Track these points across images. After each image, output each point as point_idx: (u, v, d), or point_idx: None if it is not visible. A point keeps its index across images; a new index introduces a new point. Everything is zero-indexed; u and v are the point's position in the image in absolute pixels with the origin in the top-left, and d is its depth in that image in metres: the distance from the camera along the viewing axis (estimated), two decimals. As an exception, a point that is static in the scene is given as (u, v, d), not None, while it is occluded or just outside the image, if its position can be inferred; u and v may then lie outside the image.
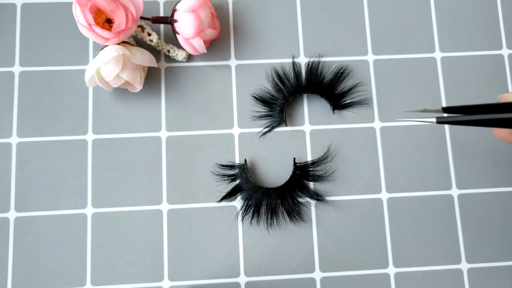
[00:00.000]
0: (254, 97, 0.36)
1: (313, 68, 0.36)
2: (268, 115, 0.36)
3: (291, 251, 0.34)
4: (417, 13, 0.38)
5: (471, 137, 0.37)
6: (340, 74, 0.36)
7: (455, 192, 0.36)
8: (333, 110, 0.36)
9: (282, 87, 0.36)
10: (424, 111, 0.27)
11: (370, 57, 0.37)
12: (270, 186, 0.35)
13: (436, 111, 0.26)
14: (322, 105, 0.36)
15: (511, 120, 0.23)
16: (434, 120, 0.26)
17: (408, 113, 0.34)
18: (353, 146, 0.36)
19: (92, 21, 0.31)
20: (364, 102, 0.36)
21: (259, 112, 0.36)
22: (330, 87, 0.36)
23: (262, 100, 0.36)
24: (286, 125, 0.35)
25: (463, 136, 0.36)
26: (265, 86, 0.36)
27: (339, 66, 0.37)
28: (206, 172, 0.35)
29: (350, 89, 0.36)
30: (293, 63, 0.36)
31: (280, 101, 0.35)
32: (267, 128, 0.36)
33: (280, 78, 0.36)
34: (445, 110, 0.26)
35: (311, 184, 0.35)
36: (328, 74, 0.36)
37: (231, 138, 0.36)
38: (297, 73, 0.36)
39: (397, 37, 0.38)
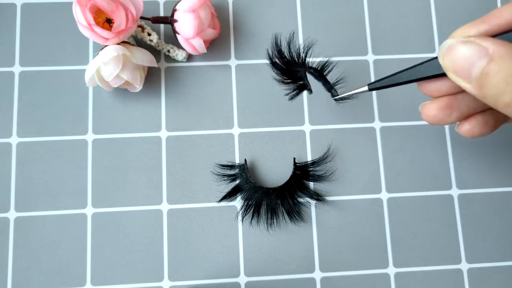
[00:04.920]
0: (272, 62, 0.32)
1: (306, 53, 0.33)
2: (290, 82, 0.32)
3: (291, 251, 0.34)
4: (417, 13, 0.38)
5: (471, 137, 0.37)
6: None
7: (455, 192, 0.36)
8: (333, 96, 0.32)
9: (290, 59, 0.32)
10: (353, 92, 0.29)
11: (370, 57, 0.37)
12: (270, 186, 0.35)
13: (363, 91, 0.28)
14: (322, 105, 0.36)
15: (433, 66, 0.23)
16: (366, 88, 0.27)
17: (345, 92, 0.31)
18: (353, 146, 0.36)
19: (92, 21, 0.31)
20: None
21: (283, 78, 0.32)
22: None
23: (280, 68, 0.32)
24: (311, 92, 0.32)
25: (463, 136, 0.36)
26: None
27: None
28: (206, 172, 0.35)
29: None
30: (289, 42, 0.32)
31: (297, 67, 0.32)
32: (294, 92, 0.32)
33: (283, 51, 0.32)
34: (370, 84, 0.27)
35: (311, 184, 0.35)
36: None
37: (231, 138, 0.36)
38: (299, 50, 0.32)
39: (397, 37, 0.38)
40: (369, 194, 0.35)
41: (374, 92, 0.37)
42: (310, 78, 0.32)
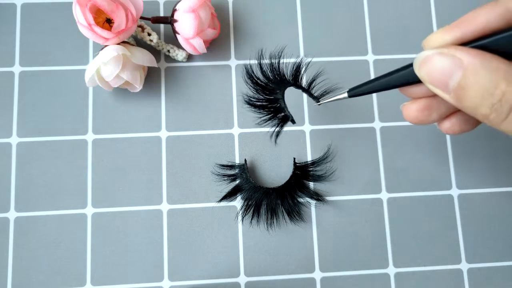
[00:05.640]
0: (247, 102, 0.33)
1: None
2: (271, 117, 0.33)
3: (291, 251, 0.34)
4: (417, 13, 0.38)
5: (471, 137, 0.37)
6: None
7: (455, 192, 0.36)
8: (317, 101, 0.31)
9: (266, 84, 0.32)
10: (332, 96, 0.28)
11: (370, 57, 0.37)
12: (270, 186, 0.35)
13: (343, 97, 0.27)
14: (322, 105, 0.36)
15: (412, 72, 0.23)
16: (346, 95, 0.27)
17: (325, 98, 0.31)
18: (353, 146, 0.36)
19: (92, 21, 0.31)
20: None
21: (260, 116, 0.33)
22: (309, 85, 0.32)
23: (255, 104, 0.32)
24: (295, 122, 0.32)
25: (463, 136, 0.36)
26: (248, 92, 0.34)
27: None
28: (206, 172, 0.35)
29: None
30: (260, 60, 0.32)
31: (274, 96, 0.32)
32: (277, 127, 0.32)
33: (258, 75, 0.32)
34: (350, 91, 0.27)
35: (311, 184, 0.35)
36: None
37: (231, 138, 0.36)
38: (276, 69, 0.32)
39: (397, 37, 0.38)
40: (369, 194, 0.35)
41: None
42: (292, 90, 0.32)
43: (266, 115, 0.33)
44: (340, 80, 0.36)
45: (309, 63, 0.34)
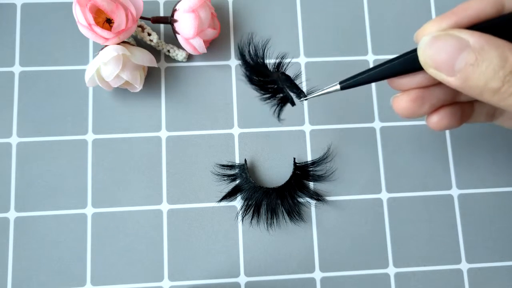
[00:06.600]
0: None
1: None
2: (270, 97, 0.30)
3: (291, 251, 0.34)
4: (417, 13, 0.38)
5: (471, 137, 0.37)
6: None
7: (455, 192, 0.36)
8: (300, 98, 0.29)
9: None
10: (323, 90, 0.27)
11: (370, 57, 0.37)
12: (270, 186, 0.35)
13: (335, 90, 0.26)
14: (322, 105, 0.36)
15: (406, 62, 0.23)
16: (338, 87, 0.26)
17: (314, 92, 0.29)
18: (353, 146, 0.36)
19: (92, 21, 0.31)
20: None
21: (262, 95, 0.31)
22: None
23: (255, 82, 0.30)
24: (294, 104, 0.30)
25: (463, 136, 0.36)
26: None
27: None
28: (206, 172, 0.35)
29: None
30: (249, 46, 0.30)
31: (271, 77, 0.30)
32: (277, 108, 0.30)
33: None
34: (342, 82, 0.26)
35: (311, 184, 0.35)
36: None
37: (231, 138, 0.36)
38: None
39: (397, 37, 0.38)
40: (369, 194, 0.35)
41: (374, 92, 0.37)
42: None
43: (265, 94, 0.31)
44: (340, 80, 0.36)
45: (289, 62, 0.32)
